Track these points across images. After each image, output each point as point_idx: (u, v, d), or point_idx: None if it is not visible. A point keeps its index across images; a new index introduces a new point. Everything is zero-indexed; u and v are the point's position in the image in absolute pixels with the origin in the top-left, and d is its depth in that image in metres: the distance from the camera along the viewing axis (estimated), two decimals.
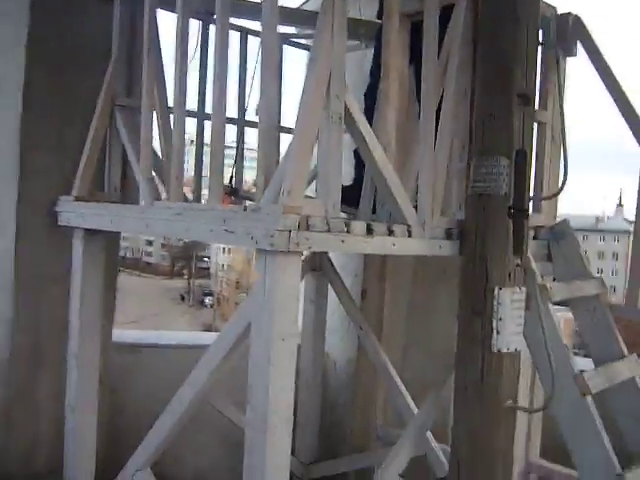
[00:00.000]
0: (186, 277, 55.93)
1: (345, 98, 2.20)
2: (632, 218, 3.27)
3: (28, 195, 3.39)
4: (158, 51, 3.17)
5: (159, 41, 3.20)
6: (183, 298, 52.99)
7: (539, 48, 3.23)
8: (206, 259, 59.45)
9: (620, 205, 60.74)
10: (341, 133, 2.22)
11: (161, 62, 3.19)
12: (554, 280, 3.19)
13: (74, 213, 3.21)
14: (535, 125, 3.24)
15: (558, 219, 3.33)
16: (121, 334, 4.10)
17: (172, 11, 3.09)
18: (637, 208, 3.16)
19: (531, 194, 3.27)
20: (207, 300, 52.89)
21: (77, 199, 3.23)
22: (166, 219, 2.67)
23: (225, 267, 54.91)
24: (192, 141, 3.80)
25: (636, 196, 3.15)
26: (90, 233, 3.23)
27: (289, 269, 2.09)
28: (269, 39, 2.46)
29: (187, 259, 57.06)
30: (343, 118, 2.21)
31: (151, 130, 3.09)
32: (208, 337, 4.60)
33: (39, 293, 3.43)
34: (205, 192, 2.99)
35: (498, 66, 2.59)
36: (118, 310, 3.85)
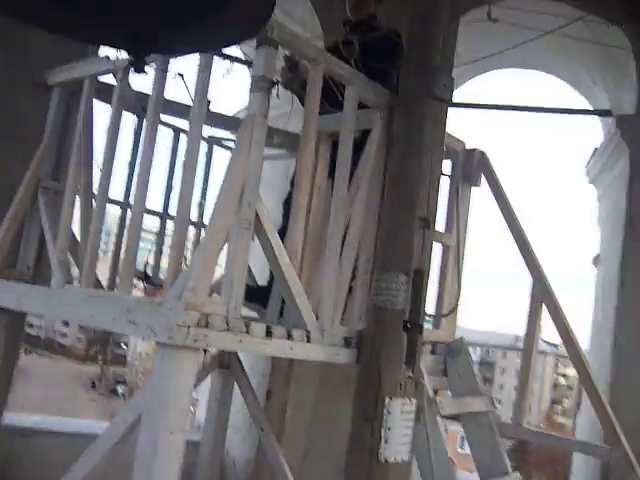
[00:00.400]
0: (100, 362, 53.71)
1: (256, 206, 2.35)
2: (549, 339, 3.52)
3: None
4: (90, 139, 3.29)
5: (92, 129, 3.33)
6: (94, 385, 50.64)
7: (448, 178, 3.56)
8: (124, 345, 57.46)
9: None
10: (249, 238, 2.36)
11: (91, 150, 3.30)
12: (451, 395, 3.34)
13: None
14: (440, 247, 3.53)
15: (463, 336, 3.52)
16: (14, 418, 3.95)
17: (108, 102, 3.25)
18: (527, 330, 3.40)
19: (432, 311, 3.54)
20: (120, 389, 50.73)
21: None
22: (73, 303, 2.70)
23: (143, 355, 53.15)
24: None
25: (526, 317, 3.40)
26: None
27: (185, 364, 2.15)
28: (194, 138, 2.63)
29: (103, 344, 55.00)
30: (253, 224, 2.35)
31: (72, 214, 3.16)
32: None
33: None
34: None
35: (403, 190, 2.82)
36: (21, 394, 3.74)
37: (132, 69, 2.12)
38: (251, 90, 2.41)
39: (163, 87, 2.70)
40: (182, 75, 2.65)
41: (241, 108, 4.91)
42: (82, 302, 2.65)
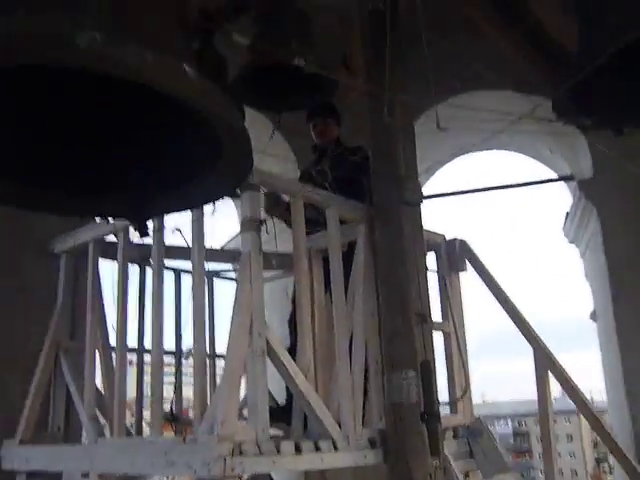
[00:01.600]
0: None
1: (266, 334, 2.58)
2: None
3: None
4: (100, 297, 3.54)
5: (101, 287, 3.58)
6: None
7: (436, 269, 3.81)
8: None
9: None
10: (264, 364, 2.56)
11: (103, 307, 3.55)
12: (482, 476, 3.45)
13: (18, 457, 3.32)
14: (441, 335, 3.73)
15: (491, 411, 3.67)
16: None
17: (112, 259, 3.53)
18: (538, 398, 3.55)
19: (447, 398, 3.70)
20: None
21: (21, 443, 3.36)
22: (110, 455, 2.85)
23: None
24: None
25: (535, 386, 3.56)
26: (32, 476, 3.32)
27: None
28: (198, 278, 2.89)
29: None
30: (265, 351, 2.57)
31: (95, 370, 3.36)
32: None
33: None
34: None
35: (395, 291, 3.06)
36: None
37: (137, 234, 2.40)
38: (242, 231, 2.70)
39: (163, 243, 2.98)
40: (179, 230, 2.94)
41: (232, 236, 5.23)
42: (119, 452, 2.81)
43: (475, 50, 4.41)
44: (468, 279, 3.93)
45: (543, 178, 5.57)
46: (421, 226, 3.23)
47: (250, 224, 2.67)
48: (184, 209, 2.62)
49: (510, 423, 63.55)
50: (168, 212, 2.80)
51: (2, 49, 1.68)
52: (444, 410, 3.62)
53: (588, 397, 3.63)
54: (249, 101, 2.94)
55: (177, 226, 2.98)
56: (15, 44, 1.69)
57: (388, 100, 2.77)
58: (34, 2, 1.83)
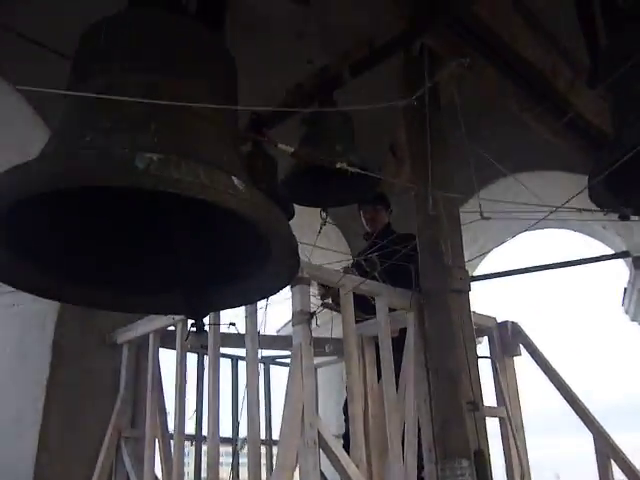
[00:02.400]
0: None
1: (318, 425, 2.63)
2: None
3: None
4: (160, 387, 3.68)
5: (161, 377, 3.72)
6: None
7: (489, 353, 3.81)
8: None
9: None
10: (317, 455, 2.60)
11: (162, 396, 3.67)
12: None
13: None
14: (497, 420, 3.69)
15: None
16: None
17: (171, 348, 3.67)
18: None
19: None
20: None
21: None
22: None
23: None
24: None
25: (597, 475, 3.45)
26: None
27: None
28: (252, 369, 2.98)
29: None
30: (317, 442, 2.61)
31: (154, 458, 3.45)
32: None
33: None
34: None
35: (446, 379, 3.07)
36: None
37: (194, 331, 2.53)
38: (293, 324, 2.80)
39: (218, 336, 3.11)
40: (234, 324, 3.06)
41: (286, 322, 5.35)
42: None
43: (518, 136, 4.51)
44: (523, 363, 3.91)
45: (598, 254, 5.52)
46: (470, 313, 3.26)
47: (301, 317, 2.77)
48: (237, 305, 2.75)
49: None
50: (222, 308, 2.94)
51: (67, 173, 1.87)
52: None
53: None
54: (297, 199, 3.09)
55: (232, 320, 3.11)
56: (79, 169, 1.89)
57: (433, 195, 2.88)
58: (98, 126, 2.04)
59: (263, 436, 4.25)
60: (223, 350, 3.92)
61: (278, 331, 5.43)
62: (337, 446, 2.71)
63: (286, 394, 2.69)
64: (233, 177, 2.02)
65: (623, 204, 2.46)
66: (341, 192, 3.04)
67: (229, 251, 2.44)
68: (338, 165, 1.73)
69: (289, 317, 4.39)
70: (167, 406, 3.71)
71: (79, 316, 4.07)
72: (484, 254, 5.47)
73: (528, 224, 3.28)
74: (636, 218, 2.88)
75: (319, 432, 2.63)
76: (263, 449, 4.14)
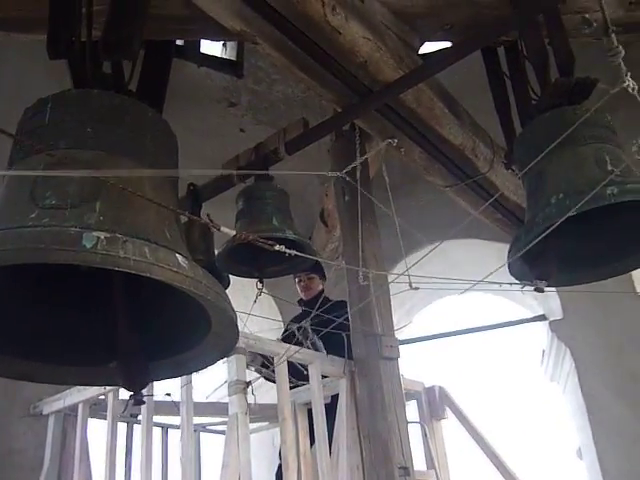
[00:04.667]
0: None
1: None
2: None
3: None
4: (88, 458, 3.59)
5: (88, 450, 3.63)
6: None
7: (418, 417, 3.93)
8: None
9: None
10: None
11: (90, 467, 3.58)
12: None
13: None
14: None
15: None
16: None
17: (101, 418, 3.61)
18: None
19: None
20: None
21: None
22: None
23: None
24: None
25: None
26: None
27: None
28: (186, 438, 2.99)
29: None
30: None
31: None
32: None
33: None
34: None
35: (378, 444, 3.15)
36: None
37: (132, 403, 2.53)
38: (230, 394, 2.84)
39: (152, 407, 3.11)
40: (169, 394, 3.07)
41: (216, 387, 5.33)
42: None
43: (443, 207, 4.76)
44: (451, 426, 4.04)
45: (518, 317, 5.81)
46: (399, 379, 3.38)
47: (237, 387, 2.82)
48: (177, 376, 2.77)
49: None
50: (161, 379, 2.95)
51: (14, 251, 1.90)
52: None
53: None
54: (233, 271, 3.17)
55: (165, 388, 3.12)
56: (26, 247, 1.91)
57: (365, 272, 3.02)
58: (43, 203, 2.08)
59: None
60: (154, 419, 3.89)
61: (207, 397, 5.39)
62: None
63: (222, 464, 2.70)
64: (177, 255, 2.10)
65: (538, 277, 2.66)
66: (277, 264, 3.14)
67: (168, 323, 2.48)
68: (277, 248, 1.83)
69: (218, 383, 4.42)
70: (94, 478, 3.62)
71: (2, 385, 3.94)
72: (410, 322, 5.65)
73: (453, 291, 3.46)
74: (551, 289, 3.08)
75: None
76: None
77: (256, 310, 4.21)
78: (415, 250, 5.29)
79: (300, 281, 4.24)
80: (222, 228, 2.54)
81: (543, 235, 2.32)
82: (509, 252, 2.65)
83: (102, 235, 1.94)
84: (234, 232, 2.57)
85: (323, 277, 4.30)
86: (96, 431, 3.79)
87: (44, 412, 3.87)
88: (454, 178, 3.39)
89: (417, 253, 5.29)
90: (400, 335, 5.82)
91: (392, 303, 3.64)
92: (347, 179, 2.80)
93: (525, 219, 2.76)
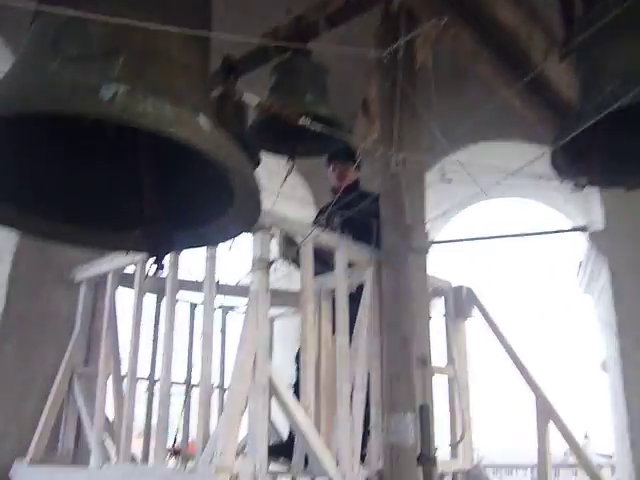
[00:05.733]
0: None
1: (269, 370, 2.68)
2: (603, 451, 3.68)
3: None
4: (115, 326, 3.68)
5: (116, 317, 3.72)
6: None
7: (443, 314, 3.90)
8: None
9: (586, 437, 59.76)
10: (266, 399, 2.66)
11: (117, 335, 3.68)
12: None
13: (27, 476, 3.44)
14: (446, 379, 3.80)
15: (512, 458, 3.71)
16: None
17: (129, 287, 3.67)
18: (538, 448, 3.58)
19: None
20: None
21: (31, 463, 3.47)
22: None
23: None
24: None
25: (536, 436, 3.59)
26: None
27: None
28: (208, 313, 3.02)
29: None
30: (268, 387, 2.67)
31: (105, 396, 3.48)
32: None
33: None
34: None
35: (398, 335, 3.14)
36: None
37: (153, 268, 2.54)
38: (252, 270, 2.82)
39: (177, 277, 3.13)
40: (193, 267, 3.08)
41: (246, 271, 5.38)
42: (123, 478, 2.91)
43: (485, 102, 4.54)
44: (474, 326, 4.01)
45: (559, 227, 5.63)
46: (426, 272, 3.32)
47: (260, 263, 2.80)
48: (198, 246, 2.77)
49: (529, 473, 61.98)
50: (183, 248, 2.95)
51: (31, 99, 1.84)
52: (444, 455, 3.67)
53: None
54: (264, 146, 3.08)
55: (191, 264, 3.13)
56: (44, 95, 1.86)
57: (396, 152, 2.90)
58: (65, 54, 2.00)
59: (217, 382, 4.32)
60: (182, 295, 3.94)
61: (237, 283, 5.45)
62: (287, 392, 2.77)
63: (240, 338, 2.72)
64: (200, 115, 2.01)
65: (580, 173, 2.52)
66: (310, 143, 3.04)
67: (192, 193, 2.43)
68: (301, 121, 1.72)
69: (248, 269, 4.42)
70: (122, 348, 3.73)
71: (37, 252, 4.03)
72: (446, 215, 5.54)
73: (491, 191, 3.33)
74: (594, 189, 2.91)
75: (270, 377, 2.69)
76: (215, 394, 4.19)
77: (289, 197, 4.16)
78: (456, 149, 5.13)
79: (334, 168, 4.13)
80: (245, 95, 2.46)
81: (592, 122, 2.16)
82: (553, 143, 2.50)
83: (122, 88, 1.86)
84: (258, 99, 2.48)
85: (358, 167, 4.17)
86: (127, 301, 3.88)
87: (76, 279, 3.96)
88: (504, 68, 3.18)
89: (456, 153, 5.13)
90: (436, 236, 5.75)
91: (429, 202, 3.54)
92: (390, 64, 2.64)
93: (575, 110, 2.58)
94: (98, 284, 3.93)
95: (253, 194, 2.20)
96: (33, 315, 3.96)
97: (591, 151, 2.39)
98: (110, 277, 3.65)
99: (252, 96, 2.22)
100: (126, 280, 3.73)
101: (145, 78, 2.01)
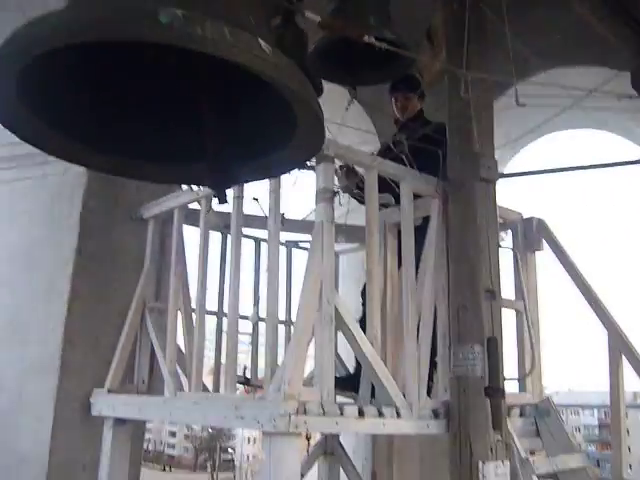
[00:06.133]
0: (210, 469, 53.79)
1: (335, 302, 2.68)
2: None
3: (65, 388, 3.81)
4: (184, 261, 3.75)
5: (184, 252, 3.79)
6: None
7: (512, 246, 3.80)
8: (231, 450, 57.61)
9: None
10: (332, 331, 2.67)
11: (186, 270, 3.75)
12: (547, 455, 3.45)
13: (106, 404, 3.60)
14: (515, 313, 3.73)
15: (578, 399, 3.66)
16: None
17: (196, 226, 3.72)
18: (610, 382, 3.50)
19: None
20: None
21: (109, 391, 3.63)
22: (186, 408, 3.06)
23: (251, 458, 53.15)
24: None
25: (608, 370, 3.50)
26: (119, 422, 3.59)
27: (290, 448, 2.44)
28: (273, 246, 3.03)
29: (211, 450, 55.40)
30: (334, 318, 2.67)
31: (176, 329, 3.57)
32: None
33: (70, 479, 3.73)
34: None
35: (466, 267, 3.08)
36: None
37: (217, 201, 2.54)
38: (316, 201, 2.80)
39: (242, 211, 3.13)
40: (257, 199, 3.07)
41: (311, 209, 5.37)
42: (195, 405, 3.01)
43: (558, 25, 4.29)
44: (545, 259, 3.90)
45: (633, 159, 5.36)
46: (495, 203, 3.23)
47: (324, 195, 2.76)
48: (261, 178, 2.74)
49: (596, 414, 61.52)
50: (246, 181, 2.94)
51: (85, 25, 1.83)
52: (514, 388, 3.63)
53: None
54: (326, 74, 3.00)
55: (255, 196, 3.12)
56: (99, 20, 1.84)
57: (465, 77, 2.78)
58: None
59: (283, 317, 4.37)
60: (246, 232, 3.96)
61: (303, 219, 5.46)
62: (353, 323, 2.77)
63: (306, 269, 2.72)
64: (259, 39, 1.95)
65: None
66: (372, 70, 2.94)
67: (254, 123, 2.40)
68: (366, 39, 1.64)
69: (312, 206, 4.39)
70: (190, 283, 3.80)
71: (106, 190, 4.11)
72: (516, 144, 5.35)
73: (564, 120, 3.15)
74: None
75: (336, 308, 2.69)
76: (282, 328, 4.25)
77: (352, 131, 4.07)
78: (526, 77, 4.90)
79: (397, 99, 4.01)
80: (306, 13, 2.37)
81: None
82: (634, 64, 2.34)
83: (180, 12, 1.82)
84: (319, 18, 2.40)
85: (422, 97, 4.04)
86: (194, 239, 3.94)
87: (144, 216, 4.03)
88: None
89: (529, 80, 4.90)
90: (504, 168, 5.57)
91: (497, 132, 3.40)
92: None
93: None
94: (165, 221, 3.99)
95: (316, 119, 2.15)
96: (104, 253, 4.06)
97: None
98: (176, 213, 3.69)
99: (313, 16, 2.14)
100: (192, 217, 3.78)
101: (204, 2, 1.96)
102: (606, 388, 3.61)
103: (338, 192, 2.83)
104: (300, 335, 2.63)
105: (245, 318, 4.15)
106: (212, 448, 54.34)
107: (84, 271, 3.98)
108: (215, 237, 4.08)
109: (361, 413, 2.68)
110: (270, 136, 2.38)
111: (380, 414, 2.76)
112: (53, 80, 2.06)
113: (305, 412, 2.47)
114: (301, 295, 2.70)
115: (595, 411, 61.56)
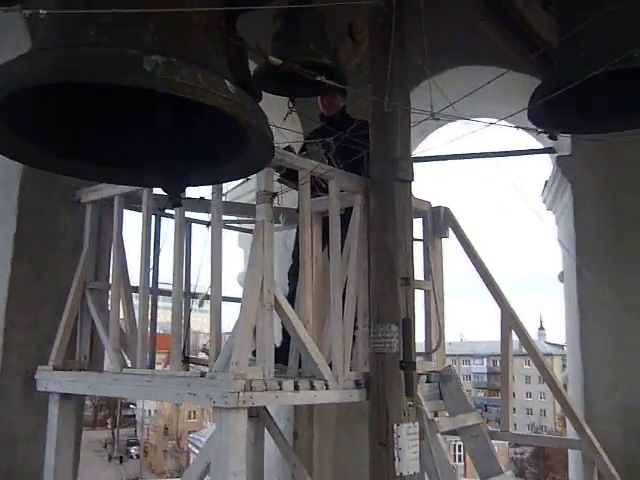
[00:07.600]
0: (110, 427, 53.33)
1: (274, 292, 3.07)
2: (554, 341, 4.24)
3: (7, 366, 4.03)
4: (122, 243, 4.00)
5: (122, 235, 4.03)
6: (106, 447, 50.38)
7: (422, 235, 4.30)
8: (132, 406, 57.14)
9: (541, 329, 62.98)
10: (272, 316, 3.07)
11: (125, 252, 4.00)
12: (449, 415, 4.03)
13: (52, 380, 3.84)
14: (423, 292, 4.24)
15: (469, 348, 4.24)
16: None
17: (135, 210, 3.98)
18: (501, 351, 4.11)
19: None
20: (133, 450, 50.56)
21: (54, 369, 3.87)
22: (138, 384, 3.38)
23: (152, 413, 53.14)
24: None
25: (500, 340, 4.10)
26: (64, 397, 3.84)
27: (239, 420, 2.84)
28: (216, 228, 3.37)
29: (111, 407, 54.79)
30: (273, 305, 3.07)
31: (119, 308, 3.84)
32: None
33: (13, 450, 3.98)
34: None
35: (384, 257, 3.54)
36: None
37: (171, 204, 2.85)
38: (257, 202, 3.15)
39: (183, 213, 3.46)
40: (203, 198, 3.39)
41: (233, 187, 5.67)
42: (145, 382, 3.33)
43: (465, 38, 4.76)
44: (450, 244, 4.43)
45: (528, 148, 6.02)
46: (410, 200, 3.68)
47: (265, 197, 3.12)
48: (212, 184, 3.11)
49: (485, 362, 65.28)
50: (197, 185, 3.25)
51: (78, 70, 2.08)
52: (420, 358, 4.17)
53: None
54: (266, 88, 3.33)
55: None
56: (90, 67, 2.08)
57: (389, 91, 3.17)
58: (100, 21, 2.20)
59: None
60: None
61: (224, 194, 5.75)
62: (289, 308, 3.18)
63: (249, 263, 3.09)
64: (225, 80, 2.28)
65: (556, 125, 2.86)
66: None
67: (208, 136, 2.72)
68: (318, 78, 1.99)
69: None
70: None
71: (42, 176, 4.25)
72: (424, 136, 5.85)
73: (463, 110, 3.60)
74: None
75: (275, 297, 3.08)
76: None
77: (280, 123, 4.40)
78: (438, 72, 5.37)
79: (322, 98, 4.37)
80: (270, 57, 2.69)
81: (565, 89, 2.48)
82: (531, 99, 2.82)
83: (160, 59, 2.11)
84: (280, 62, 2.73)
85: (344, 94, 4.42)
86: (128, 222, 4.17)
87: (82, 200, 4.21)
88: (488, 12, 3.42)
89: (441, 75, 5.37)
90: (413, 152, 6.05)
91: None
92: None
93: (553, 64, 2.88)
94: (103, 205, 4.19)
95: (267, 145, 2.51)
96: (42, 235, 4.24)
97: (565, 106, 2.72)
98: (117, 200, 3.92)
99: (274, 59, 2.47)
100: (128, 200, 4.01)
101: (175, 46, 2.25)
102: (496, 338, 4.21)
103: (277, 194, 3.19)
104: (245, 321, 3.00)
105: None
106: (112, 404, 53.80)
107: (23, 254, 4.15)
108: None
109: (296, 387, 3.11)
110: (223, 148, 2.71)
111: (312, 387, 3.20)
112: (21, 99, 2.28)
113: (251, 389, 2.87)
114: (245, 285, 3.07)
115: (485, 360, 65.35)
